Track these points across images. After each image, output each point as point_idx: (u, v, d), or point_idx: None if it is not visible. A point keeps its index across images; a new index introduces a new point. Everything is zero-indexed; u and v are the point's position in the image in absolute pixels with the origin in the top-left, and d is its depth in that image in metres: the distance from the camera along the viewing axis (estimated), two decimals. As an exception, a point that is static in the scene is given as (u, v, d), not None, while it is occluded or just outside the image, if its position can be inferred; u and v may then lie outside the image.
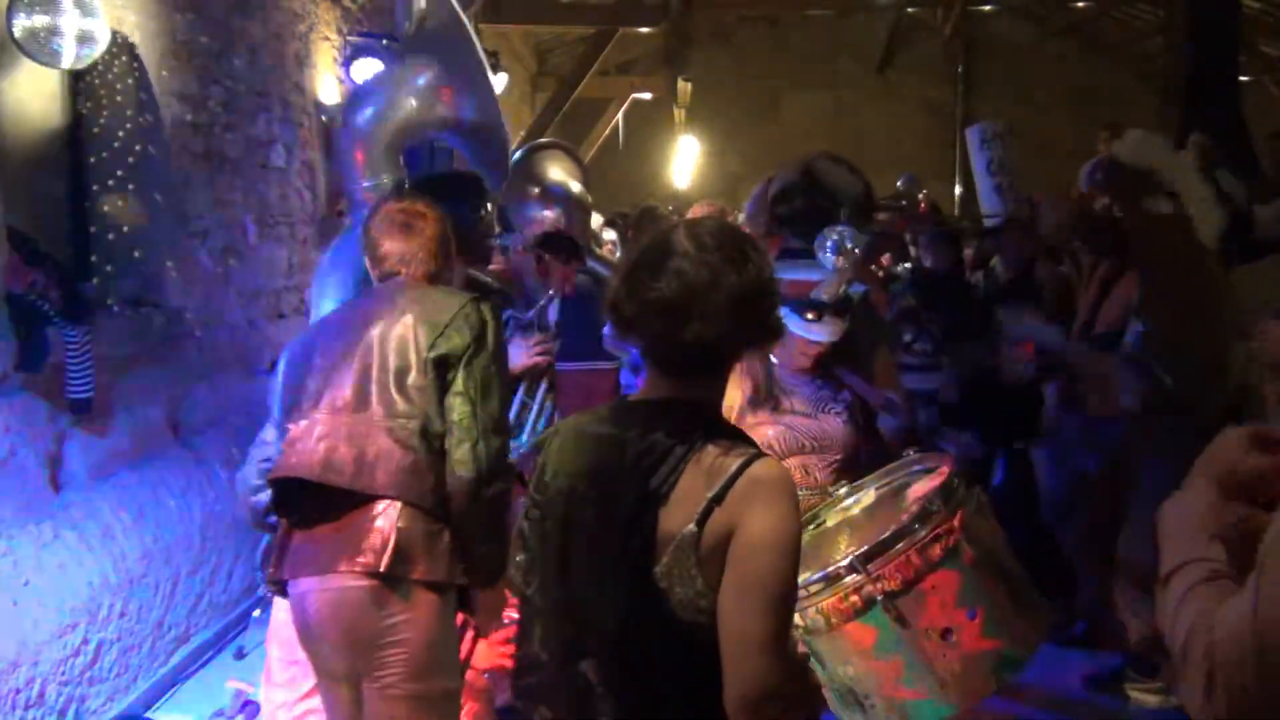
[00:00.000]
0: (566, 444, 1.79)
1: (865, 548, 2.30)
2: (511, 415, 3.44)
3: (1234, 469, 1.37)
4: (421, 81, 3.14)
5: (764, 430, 3.01)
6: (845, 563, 2.29)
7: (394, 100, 3.23)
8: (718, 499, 1.59)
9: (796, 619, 2.30)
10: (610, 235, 7.43)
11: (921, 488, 2.59)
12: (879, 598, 2.26)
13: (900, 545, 2.29)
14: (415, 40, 3.23)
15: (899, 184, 6.90)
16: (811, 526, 2.75)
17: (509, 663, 2.75)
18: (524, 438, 3.48)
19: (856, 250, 3.12)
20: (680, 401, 1.70)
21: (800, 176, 3.38)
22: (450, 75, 3.16)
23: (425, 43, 3.21)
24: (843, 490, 2.90)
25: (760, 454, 1.65)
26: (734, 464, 1.61)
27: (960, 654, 2.29)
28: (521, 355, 3.45)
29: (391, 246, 2.69)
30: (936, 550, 2.30)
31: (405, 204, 2.77)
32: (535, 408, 3.54)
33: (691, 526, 1.59)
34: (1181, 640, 1.28)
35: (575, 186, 5.20)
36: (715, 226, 1.75)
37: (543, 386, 3.57)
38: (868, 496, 2.84)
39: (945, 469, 2.55)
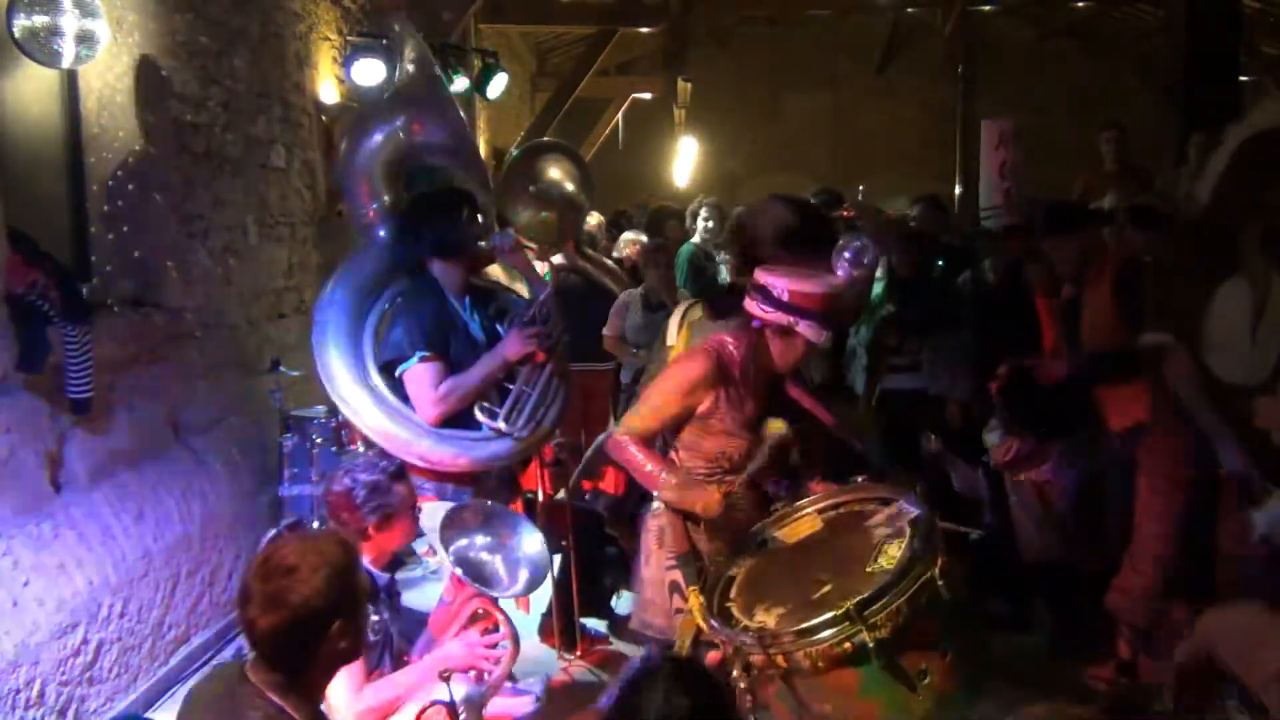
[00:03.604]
0: None
1: (861, 596, 2.38)
2: (507, 404, 3.51)
3: None
4: (399, 122, 3.95)
5: (728, 441, 3.04)
6: (840, 612, 2.36)
7: (384, 136, 3.92)
8: None
9: (779, 660, 2.40)
10: (630, 236, 7.28)
11: (885, 526, 2.69)
12: (871, 645, 2.34)
13: (892, 594, 2.39)
14: (396, 96, 4.10)
15: (860, 198, 6.98)
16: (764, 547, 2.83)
17: (489, 665, 2.77)
18: (520, 424, 3.54)
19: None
20: None
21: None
22: (420, 112, 3.98)
23: (403, 95, 4.09)
24: (780, 509, 2.98)
25: None
26: None
27: (935, 692, 2.41)
28: (519, 343, 3.58)
29: (254, 616, 1.88)
30: (923, 599, 2.42)
31: (279, 559, 1.92)
32: (535, 396, 3.63)
33: None
34: None
35: (569, 186, 5.21)
36: None
37: (543, 376, 3.67)
38: (810, 520, 2.89)
39: (911, 508, 2.65)
